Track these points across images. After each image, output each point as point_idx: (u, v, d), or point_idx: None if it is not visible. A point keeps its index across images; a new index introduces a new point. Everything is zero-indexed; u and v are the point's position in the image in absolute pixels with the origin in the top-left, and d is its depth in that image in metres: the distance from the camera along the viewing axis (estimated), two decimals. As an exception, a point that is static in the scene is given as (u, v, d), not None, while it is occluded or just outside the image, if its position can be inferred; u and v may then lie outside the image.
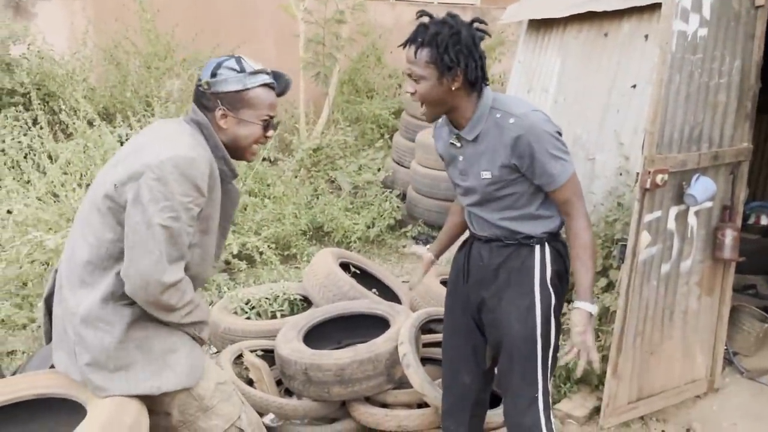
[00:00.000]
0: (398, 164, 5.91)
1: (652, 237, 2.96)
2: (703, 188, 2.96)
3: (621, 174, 3.74)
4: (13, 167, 4.49)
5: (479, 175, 2.11)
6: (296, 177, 5.63)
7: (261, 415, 2.77)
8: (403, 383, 2.97)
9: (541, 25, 4.64)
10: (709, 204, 3.15)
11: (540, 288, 2.16)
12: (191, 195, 1.82)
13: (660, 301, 3.14)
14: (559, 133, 2.12)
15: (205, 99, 1.95)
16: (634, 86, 3.78)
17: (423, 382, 2.77)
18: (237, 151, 2.01)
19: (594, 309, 2.09)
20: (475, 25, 2.01)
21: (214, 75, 1.92)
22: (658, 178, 2.79)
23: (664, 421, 3.27)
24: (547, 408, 2.24)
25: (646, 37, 3.75)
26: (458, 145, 2.14)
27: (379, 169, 5.70)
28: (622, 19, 3.90)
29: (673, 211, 3.05)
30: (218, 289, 4.00)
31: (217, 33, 6.72)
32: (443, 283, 3.68)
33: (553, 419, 2.28)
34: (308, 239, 5.04)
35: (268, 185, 5.34)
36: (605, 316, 3.31)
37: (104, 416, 1.75)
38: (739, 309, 3.74)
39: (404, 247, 5.11)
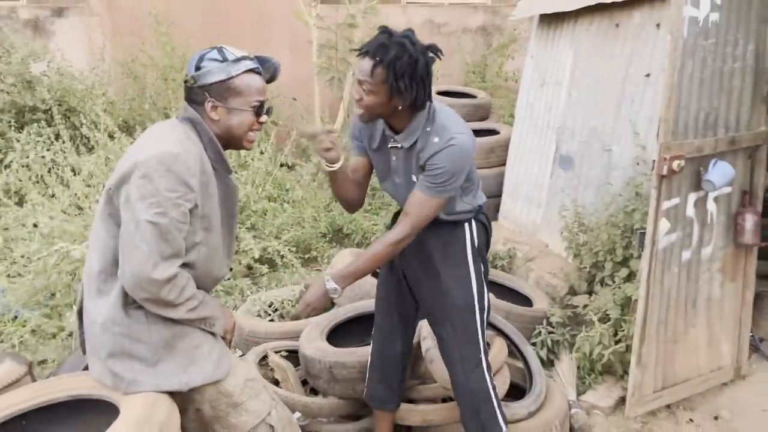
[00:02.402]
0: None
1: (671, 224, 2.95)
2: (720, 173, 2.95)
3: (638, 164, 3.74)
4: (37, 182, 4.59)
5: (410, 178, 2.30)
6: (314, 181, 5.67)
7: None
8: (425, 379, 2.99)
9: (552, 20, 4.65)
10: (728, 189, 3.13)
11: (473, 258, 2.42)
12: (178, 190, 1.82)
13: (682, 289, 3.12)
14: (456, 172, 2.19)
15: (193, 94, 1.95)
16: (648, 75, 3.78)
17: (448, 376, 2.78)
18: (233, 140, 2.01)
19: (334, 290, 2.17)
20: (430, 54, 2.09)
21: (198, 68, 1.92)
22: (675, 164, 2.78)
23: (691, 409, 3.25)
24: (488, 369, 2.51)
25: (658, 25, 3.75)
26: (397, 146, 2.27)
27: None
28: (633, 8, 3.90)
29: (692, 197, 3.04)
30: (241, 293, 4.05)
31: (232, 43, 6.76)
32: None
33: (493, 380, 2.54)
34: (328, 242, 5.08)
35: (287, 190, 5.40)
36: (627, 306, 3.30)
37: (137, 413, 1.79)
38: (764, 295, 3.71)
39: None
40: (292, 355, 3.31)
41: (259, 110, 1.99)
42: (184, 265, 1.93)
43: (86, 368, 2.19)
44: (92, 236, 2.01)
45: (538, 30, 4.80)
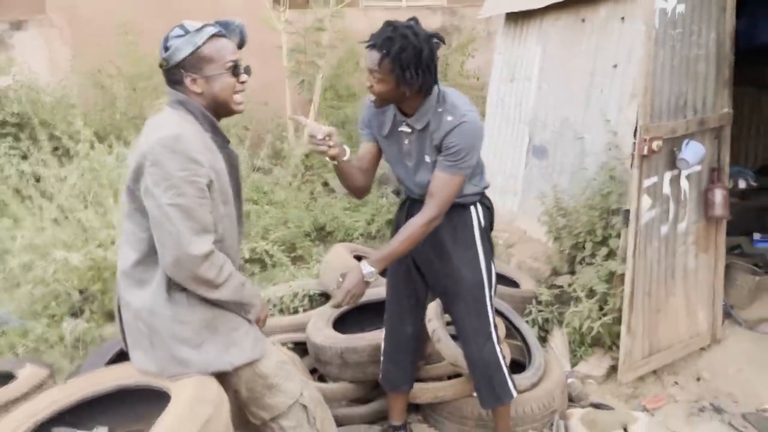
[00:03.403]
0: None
1: (650, 201, 3.18)
2: (693, 152, 3.20)
3: (610, 149, 3.97)
4: (20, 195, 4.57)
5: (422, 159, 2.42)
6: (291, 183, 5.77)
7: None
8: (431, 359, 3.14)
9: (518, 17, 4.88)
10: (698, 167, 3.39)
11: (480, 239, 2.57)
12: (188, 168, 1.87)
13: (662, 262, 3.36)
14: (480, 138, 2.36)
15: (171, 75, 1.98)
16: (615, 66, 4.03)
17: (456, 354, 2.93)
18: (222, 108, 2.04)
19: (370, 274, 2.27)
20: (434, 41, 2.23)
21: (166, 49, 1.97)
22: (654, 144, 3.01)
23: (675, 373, 3.49)
24: (498, 342, 2.68)
25: (623, 19, 4.00)
26: (408, 131, 2.40)
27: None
28: (598, 3, 4.15)
29: (668, 176, 3.28)
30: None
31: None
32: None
33: (503, 351, 2.72)
34: (311, 240, 5.19)
35: (265, 193, 5.49)
36: (610, 281, 3.52)
37: (189, 394, 1.88)
38: (731, 265, 3.99)
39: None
40: (297, 347, 3.41)
41: (235, 70, 2.01)
42: (215, 242, 2.00)
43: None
44: (123, 235, 2.09)
45: (505, 28, 5.03)
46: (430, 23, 8.08)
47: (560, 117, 4.44)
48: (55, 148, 5.28)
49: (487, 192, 2.67)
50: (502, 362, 2.68)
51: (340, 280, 2.29)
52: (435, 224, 2.36)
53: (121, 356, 2.91)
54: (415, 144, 2.42)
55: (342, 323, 3.42)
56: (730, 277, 3.95)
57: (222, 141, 2.10)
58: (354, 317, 3.53)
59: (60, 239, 3.90)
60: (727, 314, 3.86)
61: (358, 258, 4.04)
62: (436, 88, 2.33)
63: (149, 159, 1.89)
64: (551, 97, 4.53)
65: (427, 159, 2.41)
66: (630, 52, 3.89)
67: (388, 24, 2.22)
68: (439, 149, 2.34)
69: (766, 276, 4.04)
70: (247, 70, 2.09)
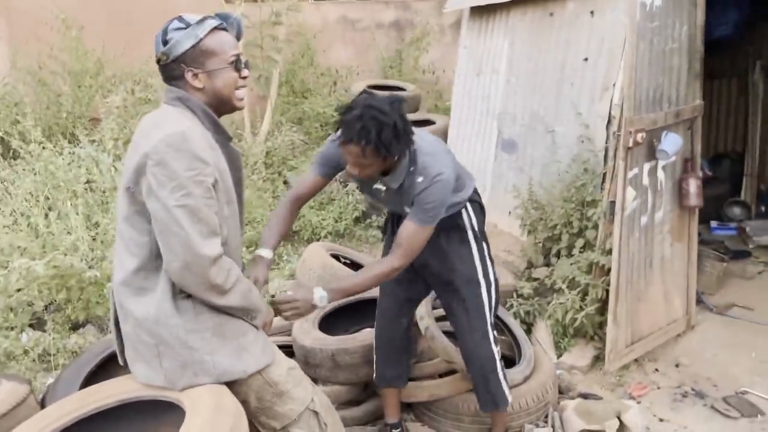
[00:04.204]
0: (351, 159, 6.01)
1: (634, 193, 3.23)
2: (672, 143, 3.26)
3: (583, 141, 4.01)
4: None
5: (402, 209, 2.43)
6: (253, 183, 5.61)
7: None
8: (422, 357, 3.10)
9: (483, 11, 4.88)
10: (673, 158, 3.46)
11: (473, 238, 2.61)
12: (194, 167, 1.79)
13: (642, 251, 3.42)
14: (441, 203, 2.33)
15: (170, 70, 1.90)
16: (586, 59, 4.07)
17: (451, 351, 2.90)
18: (224, 104, 1.96)
19: (321, 299, 2.18)
20: (397, 105, 2.18)
21: (165, 42, 1.88)
22: (638, 136, 3.06)
23: (655, 360, 3.57)
24: (496, 341, 2.68)
25: (592, 13, 4.04)
26: (383, 188, 2.42)
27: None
28: (567, -2, 4.18)
29: (646, 167, 3.34)
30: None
31: (143, 46, 6.56)
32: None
33: (500, 353, 2.71)
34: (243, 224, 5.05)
35: (226, 192, 5.31)
36: (590, 272, 3.56)
37: (207, 404, 1.77)
38: (700, 253, 4.10)
39: (373, 236, 5.22)
40: (282, 350, 3.30)
41: (237, 65, 1.95)
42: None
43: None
44: (119, 241, 1.95)
45: (470, 21, 5.02)
46: (383, 17, 8.04)
47: (530, 110, 4.47)
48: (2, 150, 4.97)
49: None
50: (497, 363, 2.68)
51: (284, 292, 2.19)
52: (400, 271, 2.34)
53: (102, 367, 2.78)
54: (393, 197, 2.43)
55: (325, 324, 3.34)
56: (699, 264, 4.06)
57: (224, 139, 1.99)
58: (336, 317, 3.45)
59: (16, 247, 3.67)
60: (698, 300, 3.97)
61: (335, 257, 3.96)
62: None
63: (153, 158, 1.77)
64: (520, 91, 4.55)
65: (407, 209, 2.39)
66: (601, 45, 3.94)
67: (349, 112, 2.15)
68: (412, 203, 2.34)
69: (733, 262, 4.17)
70: (247, 65, 2.00)
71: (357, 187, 2.58)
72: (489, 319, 2.65)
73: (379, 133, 2.10)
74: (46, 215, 4.09)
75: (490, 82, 4.82)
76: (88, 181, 4.49)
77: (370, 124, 2.09)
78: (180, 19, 1.89)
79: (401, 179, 2.33)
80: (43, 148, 4.51)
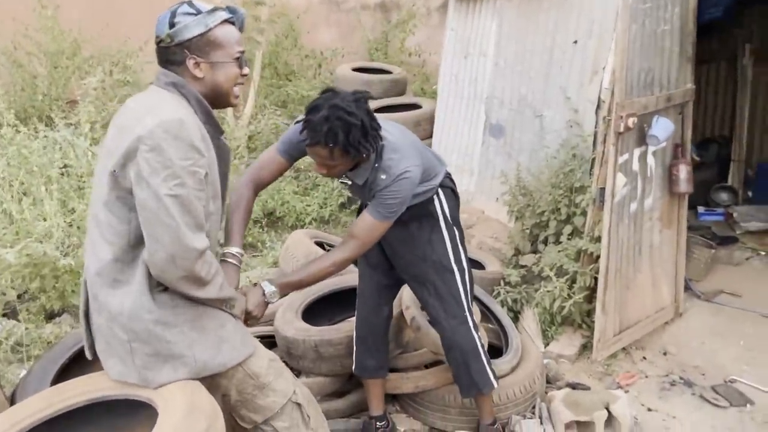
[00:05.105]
0: (335, 143, 5.90)
1: (624, 179, 3.16)
2: (663, 128, 3.20)
3: (571, 126, 3.94)
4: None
5: (366, 200, 2.37)
6: (236, 168, 5.49)
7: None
8: (407, 348, 3.04)
9: (471, -7, 4.76)
10: (664, 144, 3.40)
11: (445, 224, 2.53)
12: (190, 157, 1.73)
13: (631, 238, 3.37)
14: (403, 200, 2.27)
15: (171, 54, 1.83)
16: (576, 42, 3.99)
17: (437, 341, 2.83)
18: (220, 98, 1.91)
19: (272, 294, 2.11)
20: (363, 101, 2.12)
21: (172, 25, 1.81)
22: (630, 121, 2.98)
23: (642, 348, 3.53)
24: (476, 328, 2.62)
25: (582, -6, 3.95)
26: (348, 182, 2.36)
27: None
28: (556, -21, 4.08)
29: (636, 152, 3.27)
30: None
31: (121, 26, 6.38)
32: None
33: (482, 339, 2.66)
34: (261, 227, 4.96)
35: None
36: (578, 259, 3.50)
37: (181, 404, 1.68)
38: (687, 239, 4.06)
39: (358, 223, 5.14)
40: (262, 341, 3.22)
41: (241, 61, 1.91)
42: None
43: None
44: (94, 229, 1.85)
45: (456, 3, 4.91)
46: (368, 0, 7.89)
47: (518, 94, 4.38)
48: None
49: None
50: (479, 348, 2.62)
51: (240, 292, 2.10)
52: (349, 264, 2.27)
53: (74, 361, 2.69)
54: (358, 192, 2.40)
55: (310, 313, 3.26)
56: (686, 250, 4.02)
57: (215, 131, 1.92)
58: (322, 307, 3.37)
59: (-12, 234, 3.55)
60: (686, 287, 3.93)
61: (320, 244, 3.88)
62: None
63: (148, 143, 1.69)
64: (508, 74, 4.46)
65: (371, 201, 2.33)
66: (591, 28, 3.85)
67: (315, 112, 2.05)
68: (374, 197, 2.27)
69: (720, 248, 4.14)
70: (247, 63, 1.95)
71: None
72: (466, 305, 2.59)
73: (347, 134, 2.04)
74: (20, 201, 3.96)
75: (477, 65, 4.72)
76: (64, 166, 4.36)
77: (336, 126, 2.02)
78: (190, 4, 1.84)
79: (366, 175, 2.27)
80: (17, 131, 4.36)
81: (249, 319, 2.09)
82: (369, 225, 2.24)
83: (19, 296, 3.56)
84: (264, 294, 2.10)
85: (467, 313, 2.60)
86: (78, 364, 2.68)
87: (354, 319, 2.94)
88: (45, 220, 3.81)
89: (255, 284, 2.16)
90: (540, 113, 4.23)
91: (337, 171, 2.20)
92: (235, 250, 2.16)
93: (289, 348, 2.96)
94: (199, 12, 1.82)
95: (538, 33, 4.22)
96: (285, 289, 2.18)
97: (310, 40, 7.30)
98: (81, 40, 6.08)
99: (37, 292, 3.50)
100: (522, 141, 4.36)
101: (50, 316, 3.62)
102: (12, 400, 2.43)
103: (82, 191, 4.23)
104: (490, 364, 2.68)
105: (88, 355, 1.95)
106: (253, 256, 4.50)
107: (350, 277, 3.39)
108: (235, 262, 2.13)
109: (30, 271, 3.38)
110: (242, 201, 2.29)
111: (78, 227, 3.89)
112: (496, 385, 2.68)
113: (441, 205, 2.53)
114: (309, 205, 5.06)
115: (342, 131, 2.02)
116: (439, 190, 2.52)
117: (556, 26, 4.10)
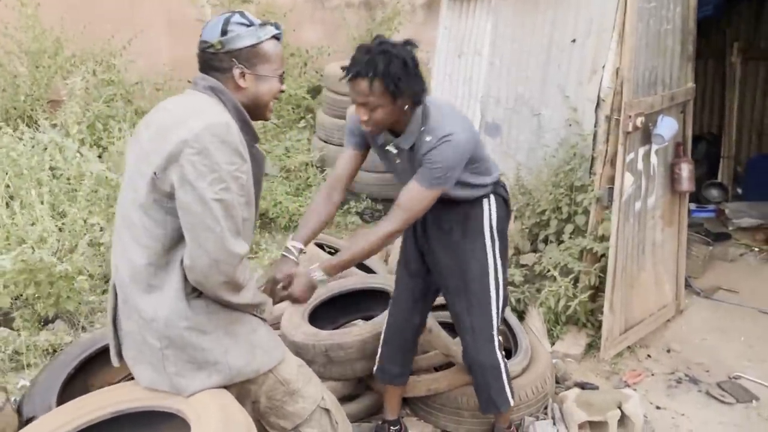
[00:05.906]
0: (326, 143, 5.83)
1: (632, 178, 3.16)
2: (668, 127, 3.21)
3: (570, 125, 3.93)
4: None
5: (415, 171, 2.28)
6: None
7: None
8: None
9: (465, -9, 4.72)
10: (667, 142, 3.41)
11: (490, 236, 2.45)
12: (235, 162, 1.73)
13: (635, 237, 3.38)
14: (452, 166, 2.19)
15: (217, 61, 1.82)
16: (574, 41, 3.98)
17: (449, 344, 2.81)
18: (257, 110, 1.91)
19: (320, 282, 2.11)
20: (410, 48, 2.12)
21: (224, 33, 1.81)
22: (638, 120, 2.98)
23: (646, 346, 3.55)
24: (500, 347, 2.56)
25: (580, -8, 3.94)
26: (395, 151, 2.30)
27: (308, 150, 5.61)
28: (553, -23, 4.06)
29: (641, 151, 3.28)
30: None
31: (104, 25, 6.25)
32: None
33: (504, 358, 2.59)
34: (255, 229, 4.89)
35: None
36: (582, 258, 3.50)
37: (214, 419, 1.63)
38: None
39: (352, 223, 5.09)
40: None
41: (282, 78, 1.93)
42: None
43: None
44: (127, 232, 1.80)
45: (449, 1, 4.87)
46: (353, -4, 7.84)
47: (514, 93, 4.36)
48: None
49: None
50: (502, 368, 2.58)
51: (278, 277, 2.07)
52: (397, 236, 2.23)
53: (81, 370, 2.61)
54: (407, 163, 2.31)
55: (313, 317, 3.21)
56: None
57: (251, 139, 1.89)
58: (325, 309, 3.33)
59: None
60: (686, 285, 3.96)
61: (320, 246, 3.83)
62: (423, 104, 2.21)
63: (194, 147, 1.67)
64: (504, 73, 4.43)
65: None
66: (589, 26, 3.84)
67: (361, 49, 2.08)
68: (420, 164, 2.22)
69: (718, 245, 4.17)
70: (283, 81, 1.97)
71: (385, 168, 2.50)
72: (495, 323, 2.52)
73: (387, 63, 2.01)
74: (8, 205, 3.85)
75: (472, 64, 4.69)
76: (51, 168, 4.25)
77: (378, 58, 2.02)
78: (242, 14, 1.86)
79: (413, 139, 2.20)
80: (3, 133, 4.23)
81: (295, 303, 2.10)
82: (415, 193, 2.17)
83: (11, 303, 3.46)
84: (313, 280, 2.07)
85: (494, 332, 2.53)
86: (84, 373, 2.61)
87: (363, 321, 2.92)
88: (33, 224, 3.70)
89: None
90: (538, 112, 4.21)
91: (378, 117, 2.10)
92: (294, 243, 2.20)
93: (298, 353, 2.88)
94: (251, 24, 1.83)
95: (535, 32, 4.20)
96: (335, 270, 2.15)
97: (295, 39, 7.21)
98: (63, 39, 5.94)
99: (32, 298, 3.40)
100: (519, 140, 4.35)
101: (44, 323, 3.52)
102: (19, 412, 2.35)
103: (73, 194, 4.12)
104: (510, 383, 2.63)
105: (114, 362, 1.90)
106: (248, 258, 4.43)
107: (353, 280, 3.36)
108: (290, 256, 2.17)
109: (25, 278, 3.28)
110: (315, 201, 2.35)
111: (69, 231, 3.79)
112: (512, 403, 2.64)
113: (490, 213, 2.45)
114: (302, 206, 4.99)
115: (383, 62, 2.01)
116: (491, 197, 2.45)
117: (553, 25, 4.09)
